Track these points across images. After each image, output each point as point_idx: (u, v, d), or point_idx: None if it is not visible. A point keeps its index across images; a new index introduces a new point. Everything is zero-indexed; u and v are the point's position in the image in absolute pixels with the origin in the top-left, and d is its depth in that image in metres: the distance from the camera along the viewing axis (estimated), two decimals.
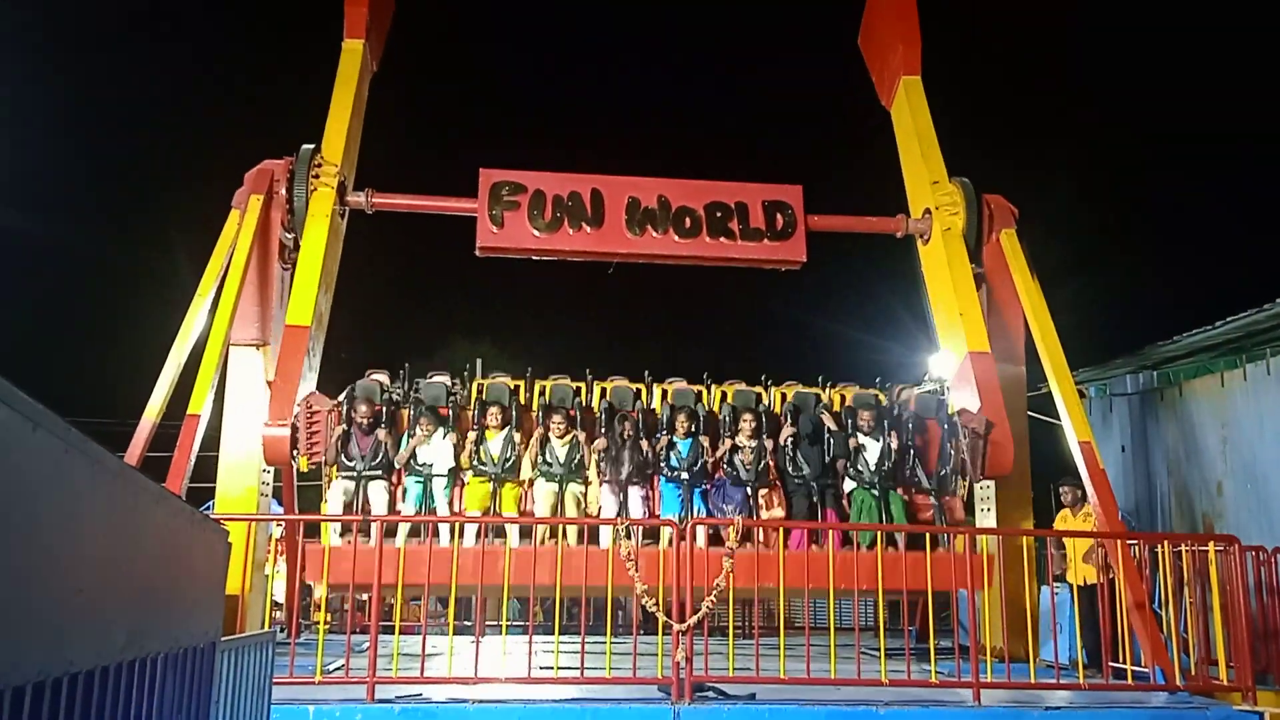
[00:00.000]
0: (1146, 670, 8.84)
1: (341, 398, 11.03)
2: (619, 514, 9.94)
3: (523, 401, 11.79)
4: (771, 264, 12.33)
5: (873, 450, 10.98)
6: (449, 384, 11.79)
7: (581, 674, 7.76)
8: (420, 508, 10.39)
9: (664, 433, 11.02)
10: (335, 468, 10.65)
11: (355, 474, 10.51)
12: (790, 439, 10.97)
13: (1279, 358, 12.39)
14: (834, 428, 11.22)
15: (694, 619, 7.68)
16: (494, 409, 10.96)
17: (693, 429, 11.00)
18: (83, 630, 2.02)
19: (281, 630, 11.13)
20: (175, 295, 11.50)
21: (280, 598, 12.65)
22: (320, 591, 11.61)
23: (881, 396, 12.38)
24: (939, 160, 12.50)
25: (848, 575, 8.71)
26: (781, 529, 9.36)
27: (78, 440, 1.92)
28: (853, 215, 13.00)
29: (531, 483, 10.82)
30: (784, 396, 12.23)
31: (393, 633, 8.29)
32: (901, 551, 9.80)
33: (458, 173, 12.71)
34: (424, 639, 8.01)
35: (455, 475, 10.70)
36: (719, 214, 12.06)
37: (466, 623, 11.97)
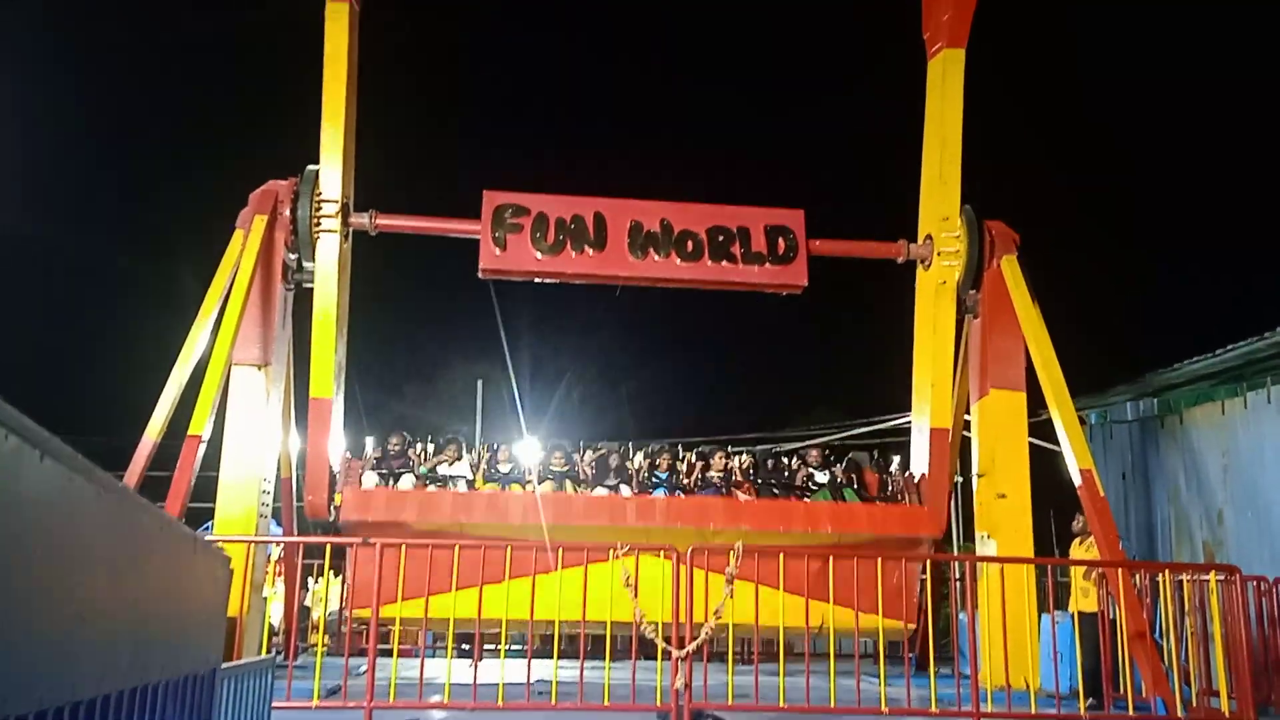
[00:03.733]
0: (1148, 701, 8.79)
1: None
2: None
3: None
4: (773, 288, 12.37)
5: (822, 477, 12.48)
6: (470, 467, 12.27)
7: (580, 700, 7.71)
8: None
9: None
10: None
11: (387, 471, 11.66)
12: (750, 466, 12.82)
13: None
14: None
15: (693, 645, 7.64)
16: (503, 450, 12.46)
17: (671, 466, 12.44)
18: (87, 658, 2.01)
19: (279, 653, 11.09)
20: (179, 313, 11.55)
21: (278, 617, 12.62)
22: (319, 613, 11.62)
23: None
24: (956, 180, 12.43)
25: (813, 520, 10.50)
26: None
27: (84, 467, 1.92)
28: (855, 240, 13.03)
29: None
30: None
31: (391, 656, 8.26)
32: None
33: (461, 193, 12.78)
34: (422, 662, 7.97)
35: (471, 485, 11.83)
36: (721, 238, 12.10)
37: (465, 647, 11.91)
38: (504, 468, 12.16)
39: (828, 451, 13.39)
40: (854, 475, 12.73)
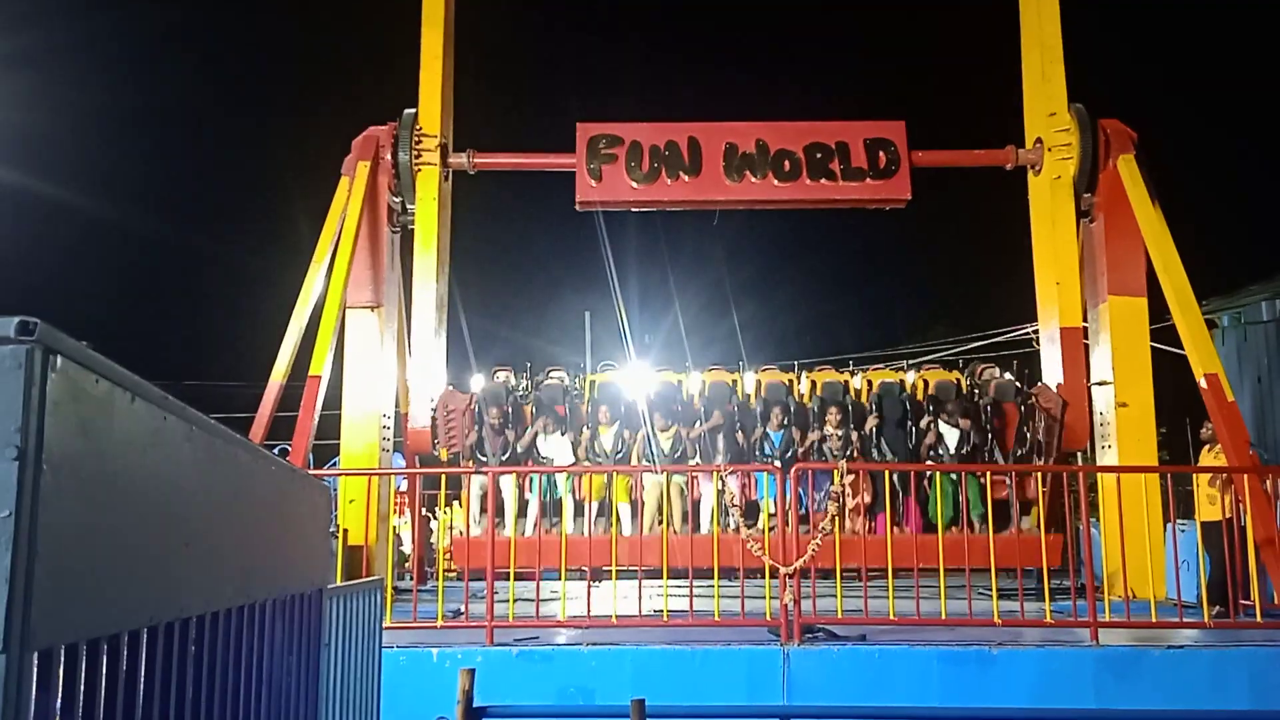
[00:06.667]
0: (1278, 608, 8.51)
1: (475, 392, 12.10)
2: (716, 499, 10.20)
3: (630, 398, 12.25)
4: (875, 203, 12.12)
5: (952, 437, 11.42)
6: (565, 381, 12.25)
7: (691, 616, 7.92)
8: (546, 498, 11.20)
9: (758, 425, 11.69)
10: (472, 462, 11.58)
11: (497, 425, 11.56)
12: (875, 428, 11.61)
13: None
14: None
15: (800, 562, 7.73)
16: (605, 408, 11.72)
17: (785, 421, 11.59)
18: (193, 579, 2.21)
19: (409, 578, 11.67)
20: (296, 261, 12.04)
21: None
22: (445, 542, 12.14)
23: (963, 381, 12.27)
24: (1060, 78, 11.91)
25: (926, 556, 8.65)
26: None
27: (176, 407, 2.09)
28: (960, 150, 12.64)
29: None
30: (870, 384, 12.18)
31: (509, 579, 8.59)
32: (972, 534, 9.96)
33: (556, 127, 12.83)
34: (538, 584, 8.28)
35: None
36: (819, 155, 11.88)
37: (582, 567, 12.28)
38: (606, 440, 11.53)
39: (966, 403, 11.88)
40: (988, 427, 11.66)
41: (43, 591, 1.60)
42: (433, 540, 14.62)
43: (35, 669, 1.62)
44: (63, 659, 1.71)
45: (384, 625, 4.70)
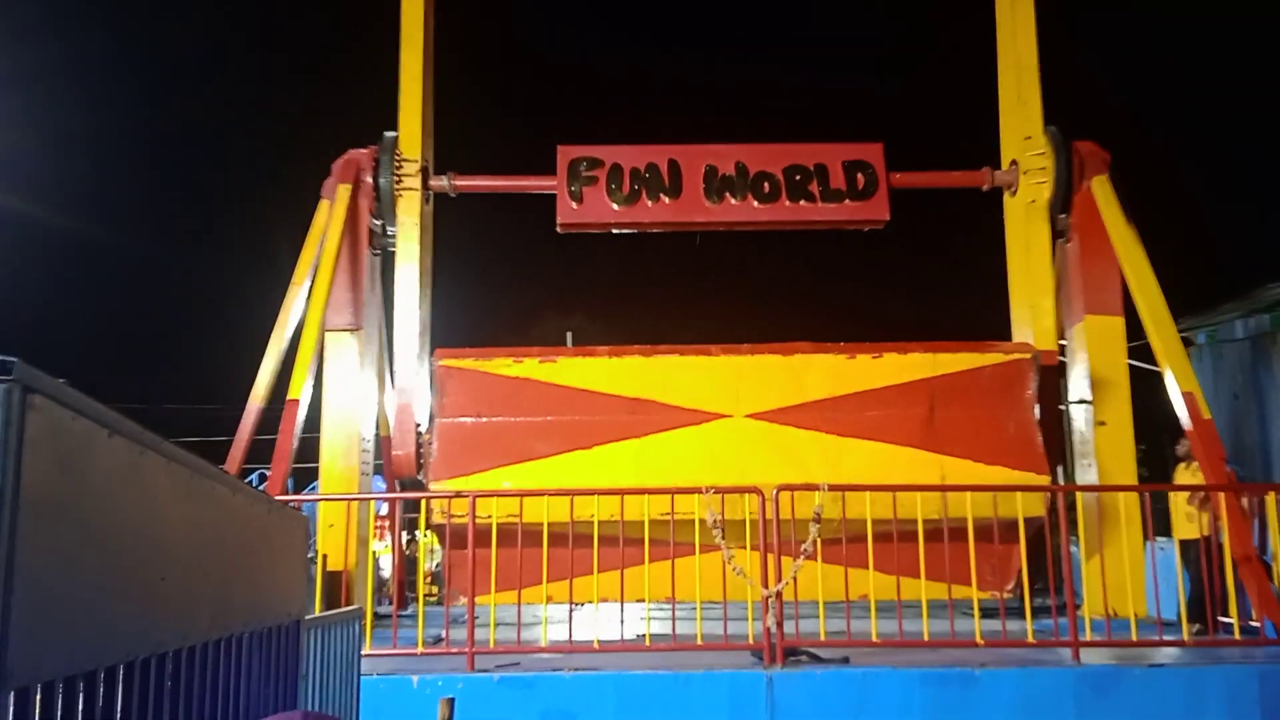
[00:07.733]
0: (1256, 625, 8.57)
1: None
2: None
3: None
4: (854, 225, 12.20)
5: None
6: None
7: (674, 640, 7.89)
8: None
9: None
10: None
11: None
12: None
13: None
14: None
15: (781, 584, 7.73)
16: None
17: None
18: (169, 614, 2.20)
19: (389, 603, 11.60)
20: (276, 285, 12.00)
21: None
22: (427, 565, 12.06)
23: None
24: (1036, 101, 12.05)
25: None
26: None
27: (153, 442, 2.09)
28: (937, 171, 12.75)
29: None
30: None
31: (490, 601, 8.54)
32: None
33: (537, 148, 12.91)
34: (519, 609, 8.24)
35: None
36: (798, 177, 11.96)
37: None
38: None
39: None
40: None
41: (19, 629, 1.59)
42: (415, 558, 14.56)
43: (12, 707, 1.61)
44: (39, 696, 1.70)
45: (363, 653, 4.67)
